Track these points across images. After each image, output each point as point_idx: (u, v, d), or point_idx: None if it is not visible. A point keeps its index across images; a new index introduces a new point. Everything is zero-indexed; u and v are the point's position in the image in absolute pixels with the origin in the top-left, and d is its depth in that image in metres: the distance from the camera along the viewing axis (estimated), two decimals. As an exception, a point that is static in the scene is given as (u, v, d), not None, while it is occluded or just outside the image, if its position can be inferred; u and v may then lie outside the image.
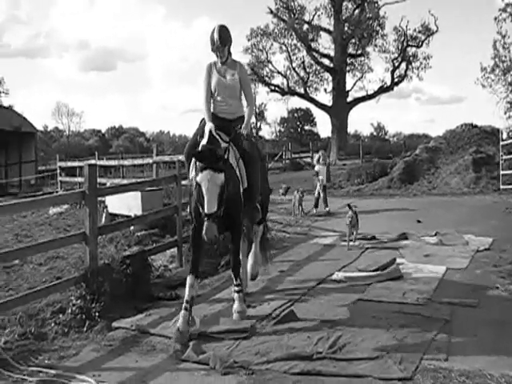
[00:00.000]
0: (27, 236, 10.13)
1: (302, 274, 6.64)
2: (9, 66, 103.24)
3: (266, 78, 36.83)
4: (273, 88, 37.05)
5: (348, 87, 36.13)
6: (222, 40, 5.15)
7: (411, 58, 35.12)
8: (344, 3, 34.85)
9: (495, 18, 24.33)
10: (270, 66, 36.73)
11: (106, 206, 10.32)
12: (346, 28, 34.67)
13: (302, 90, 36.86)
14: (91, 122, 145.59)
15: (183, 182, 7.63)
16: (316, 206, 12.37)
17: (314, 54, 35.82)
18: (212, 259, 7.19)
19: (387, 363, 3.82)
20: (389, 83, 35.88)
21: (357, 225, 8.17)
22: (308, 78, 36.76)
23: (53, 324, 4.98)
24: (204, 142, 4.84)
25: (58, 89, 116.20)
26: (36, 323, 4.97)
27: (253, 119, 61.58)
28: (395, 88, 36.65)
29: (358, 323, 4.69)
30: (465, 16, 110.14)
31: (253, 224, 5.86)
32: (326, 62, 36.07)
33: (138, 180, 14.39)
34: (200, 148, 4.73)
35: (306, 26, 35.46)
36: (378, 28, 35.29)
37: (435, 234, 8.69)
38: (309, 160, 30.68)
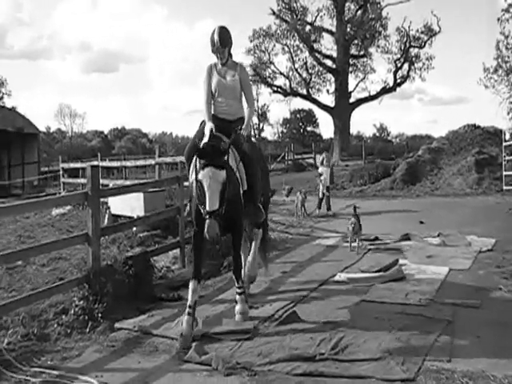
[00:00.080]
0: (30, 237, 10.14)
1: (305, 275, 6.64)
2: (12, 67, 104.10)
3: (269, 79, 36.83)
4: (275, 89, 37.04)
5: (350, 88, 36.11)
6: (222, 41, 5.15)
7: (414, 59, 35.06)
8: (346, 4, 34.83)
9: (498, 19, 24.34)
10: (272, 67, 36.77)
11: (109, 207, 10.33)
12: (348, 29, 34.65)
13: (304, 91, 36.85)
14: (94, 124, 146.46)
15: (185, 184, 7.63)
16: (319, 207, 12.37)
17: (317, 54, 35.80)
18: (214, 260, 7.19)
19: (390, 364, 3.82)
20: (391, 84, 35.83)
21: (359, 232, 7.95)
22: (310, 79, 36.73)
23: (55, 325, 4.98)
24: (205, 139, 4.83)
25: (61, 90, 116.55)
26: (39, 324, 4.98)
27: (255, 120, 61.43)
28: (398, 89, 36.60)
29: (360, 324, 4.68)
30: (468, 16, 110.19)
31: (254, 224, 5.83)
32: (329, 62, 36.07)
33: (141, 181, 14.40)
34: (202, 145, 4.72)
35: (308, 27, 35.43)
36: (380, 29, 35.23)
37: (438, 235, 8.68)
38: (311, 161, 30.66)
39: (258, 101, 55.06)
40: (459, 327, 4.54)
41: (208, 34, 5.24)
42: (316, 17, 35.25)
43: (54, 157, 37.69)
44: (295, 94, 37.04)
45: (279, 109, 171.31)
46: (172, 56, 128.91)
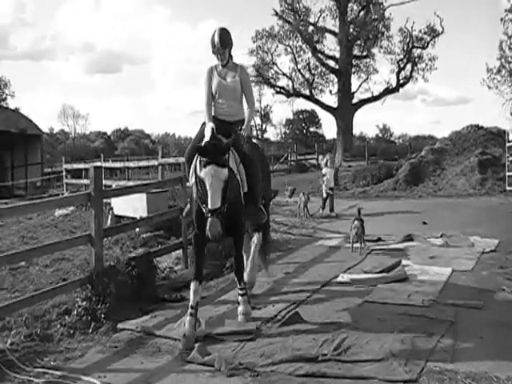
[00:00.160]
0: (33, 238, 10.16)
1: (307, 276, 6.64)
2: (15, 68, 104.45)
3: (272, 80, 36.81)
4: (278, 90, 37.02)
5: (353, 89, 36.06)
6: (223, 43, 5.15)
7: (417, 60, 34.99)
8: (349, 5, 34.79)
9: (501, 19, 24.32)
10: (275, 67, 36.72)
11: (112, 208, 10.35)
12: (351, 29, 34.61)
13: (307, 92, 36.82)
14: (97, 125, 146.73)
15: (188, 184, 7.64)
16: (323, 207, 12.35)
17: (320, 55, 35.77)
18: (217, 261, 7.20)
19: (392, 365, 3.82)
20: (394, 85, 35.77)
21: (362, 235, 7.89)
22: (313, 80, 36.69)
23: (58, 325, 4.99)
24: (206, 138, 4.82)
25: (64, 91, 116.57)
26: (42, 325, 4.98)
27: (258, 121, 61.43)
28: (401, 89, 36.51)
29: (363, 325, 4.68)
30: (470, 17, 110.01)
31: (255, 226, 5.80)
32: (332, 63, 36.03)
33: (144, 182, 14.41)
34: (203, 143, 4.71)
35: (311, 28, 35.40)
36: (383, 29, 35.19)
37: (441, 236, 8.67)
38: (314, 162, 30.64)
39: (260, 101, 55.24)
40: (462, 328, 4.54)
41: (211, 34, 5.26)
42: (319, 17, 35.24)
43: (57, 158, 37.66)
44: (298, 94, 37.01)
45: (282, 109, 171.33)
46: (175, 56, 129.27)
